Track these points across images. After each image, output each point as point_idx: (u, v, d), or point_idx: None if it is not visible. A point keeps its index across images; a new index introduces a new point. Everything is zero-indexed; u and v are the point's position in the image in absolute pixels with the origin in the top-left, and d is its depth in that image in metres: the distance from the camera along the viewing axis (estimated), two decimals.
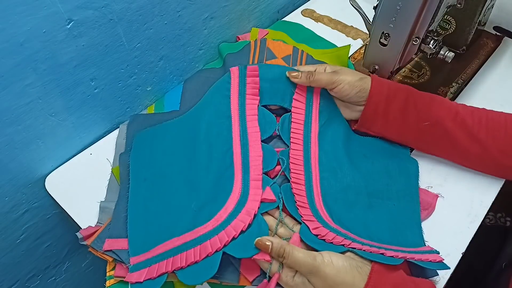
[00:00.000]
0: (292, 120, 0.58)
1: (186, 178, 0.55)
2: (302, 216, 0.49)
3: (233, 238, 0.46)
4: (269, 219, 0.50)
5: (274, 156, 0.55)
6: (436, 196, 0.56)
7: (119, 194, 0.55)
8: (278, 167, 0.55)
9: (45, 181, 0.60)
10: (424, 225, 0.54)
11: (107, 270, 0.50)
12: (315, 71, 0.58)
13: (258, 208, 0.49)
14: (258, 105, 0.58)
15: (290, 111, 0.59)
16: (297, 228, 0.49)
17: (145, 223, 0.51)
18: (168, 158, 0.57)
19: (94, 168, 0.60)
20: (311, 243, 0.46)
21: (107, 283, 0.49)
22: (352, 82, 0.56)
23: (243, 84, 0.58)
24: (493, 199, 0.57)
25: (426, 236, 0.52)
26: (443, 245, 0.51)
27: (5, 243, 0.61)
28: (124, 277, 0.49)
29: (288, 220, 0.50)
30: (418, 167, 0.58)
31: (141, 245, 0.49)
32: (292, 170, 0.54)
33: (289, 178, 0.53)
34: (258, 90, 0.57)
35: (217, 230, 0.47)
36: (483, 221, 0.55)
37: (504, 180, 0.58)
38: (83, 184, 0.59)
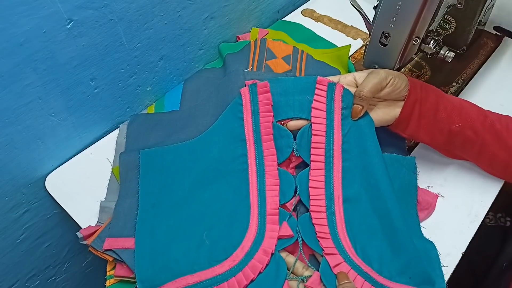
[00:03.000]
0: (313, 132, 0.52)
1: (198, 207, 0.52)
2: (323, 250, 0.47)
3: (251, 280, 0.46)
4: (288, 257, 0.49)
5: (291, 185, 0.52)
6: (436, 196, 0.56)
7: (119, 193, 0.55)
8: (297, 197, 0.52)
9: (45, 181, 0.60)
10: (424, 225, 0.54)
11: (107, 270, 0.50)
12: (356, 88, 0.53)
13: (276, 245, 0.48)
14: (272, 122, 0.53)
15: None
16: (308, 272, 0.47)
17: (153, 253, 0.49)
18: (178, 184, 0.54)
19: (94, 168, 0.60)
20: (330, 287, 0.45)
21: (107, 283, 0.50)
22: (398, 74, 0.53)
23: (255, 103, 0.54)
24: (493, 199, 0.57)
25: (426, 236, 0.52)
26: (443, 245, 0.51)
27: (5, 243, 0.61)
28: (124, 277, 0.49)
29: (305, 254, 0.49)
30: (416, 185, 0.56)
31: (150, 277, 0.47)
32: (311, 197, 0.51)
33: (307, 206, 0.51)
34: (271, 106, 0.53)
35: (234, 271, 0.46)
36: (483, 221, 0.55)
37: (504, 180, 0.58)
38: (83, 184, 0.59)
